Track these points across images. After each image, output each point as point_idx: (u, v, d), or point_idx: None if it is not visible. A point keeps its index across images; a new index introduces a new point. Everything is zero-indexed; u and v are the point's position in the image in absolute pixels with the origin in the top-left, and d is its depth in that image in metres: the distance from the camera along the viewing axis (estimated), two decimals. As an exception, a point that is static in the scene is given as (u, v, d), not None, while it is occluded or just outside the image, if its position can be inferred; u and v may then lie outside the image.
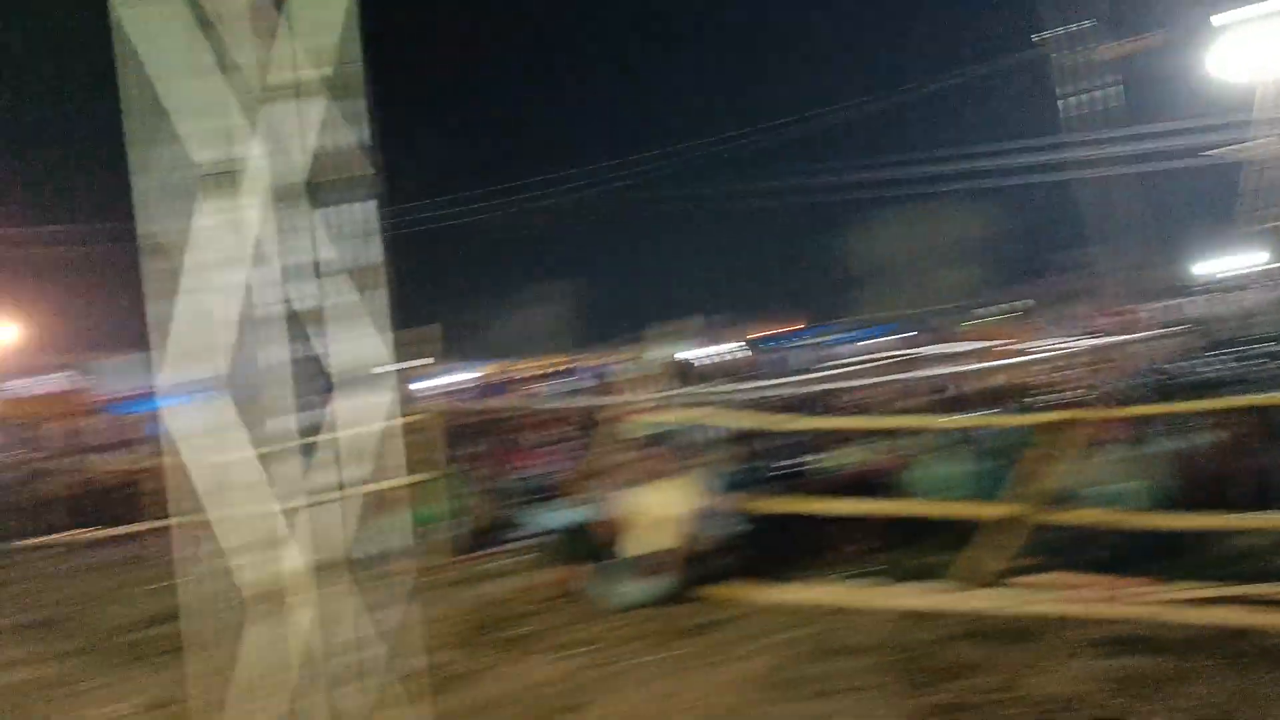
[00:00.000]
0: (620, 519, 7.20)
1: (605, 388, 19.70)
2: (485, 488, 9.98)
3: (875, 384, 13.10)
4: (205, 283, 3.24)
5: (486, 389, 32.06)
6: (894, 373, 12.93)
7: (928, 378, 13.76)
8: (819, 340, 38.34)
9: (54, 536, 11.89)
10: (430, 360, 9.06)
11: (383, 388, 3.57)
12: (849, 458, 9.31)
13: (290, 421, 3.27)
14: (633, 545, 7.02)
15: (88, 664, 6.48)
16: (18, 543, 12.01)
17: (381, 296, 3.54)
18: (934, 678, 4.85)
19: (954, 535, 6.88)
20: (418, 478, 8.61)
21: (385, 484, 3.65)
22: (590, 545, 7.12)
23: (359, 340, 3.50)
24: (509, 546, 9.04)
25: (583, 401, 16.75)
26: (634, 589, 6.67)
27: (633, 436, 8.23)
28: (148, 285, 3.25)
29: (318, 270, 3.41)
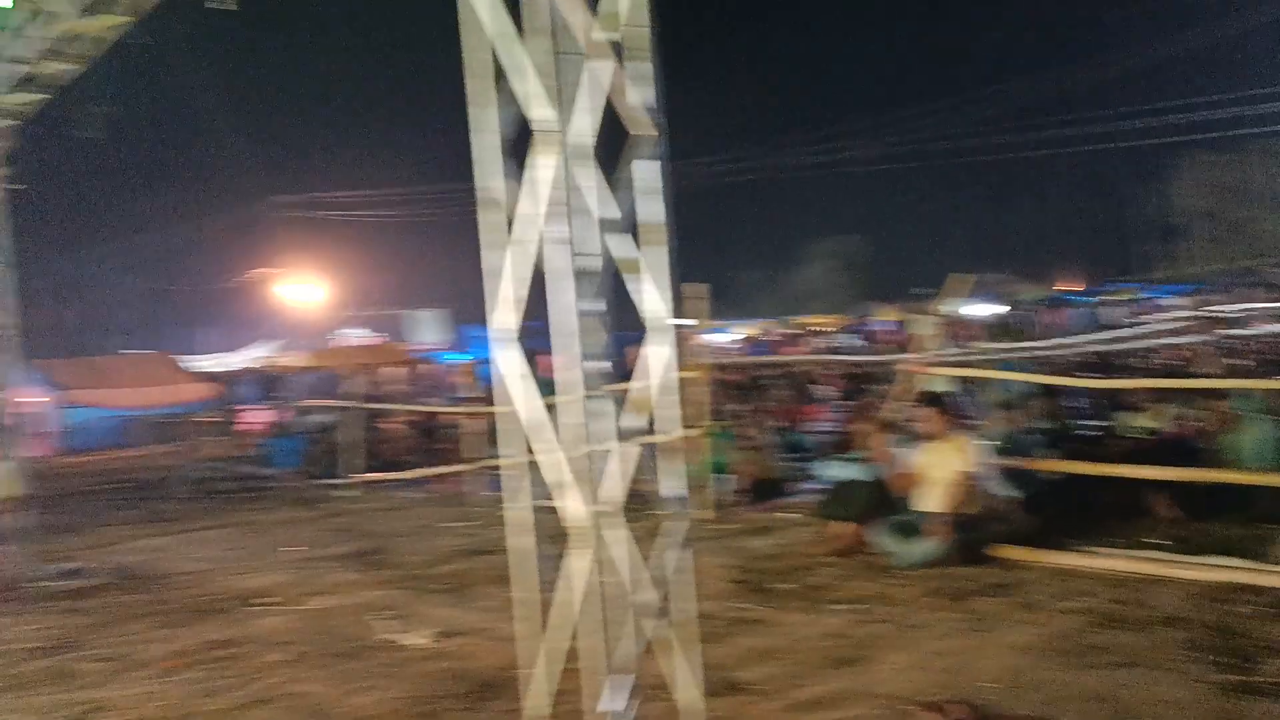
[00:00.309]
0: (901, 477, 7.10)
1: (883, 345, 19.34)
2: (757, 443, 10.09)
3: (1184, 343, 12.12)
4: (525, 236, 3.49)
5: (756, 347, 32.22)
6: (1206, 331, 11.91)
7: (1248, 337, 12.60)
8: (1118, 297, 35.65)
9: (370, 476, 13.08)
10: (699, 318, 9.23)
11: (664, 342, 3.70)
12: (1151, 420, 8.75)
13: (582, 370, 3.47)
14: (913, 503, 6.92)
15: (401, 593, 7.12)
16: (339, 481, 13.32)
17: (663, 253, 3.67)
18: (1241, 656, 4.51)
19: (1271, 507, 6.34)
20: (692, 431, 8.82)
21: (664, 435, 3.78)
22: (867, 502, 7.06)
23: (643, 296, 3.65)
24: (782, 501, 9.12)
25: (858, 359, 16.52)
26: (914, 548, 6.58)
27: (914, 393, 8.07)
28: (483, 237, 3.55)
29: (609, 226, 3.58)
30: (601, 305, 3.53)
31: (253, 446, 18.14)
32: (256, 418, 21.13)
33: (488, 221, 3.54)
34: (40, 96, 8.33)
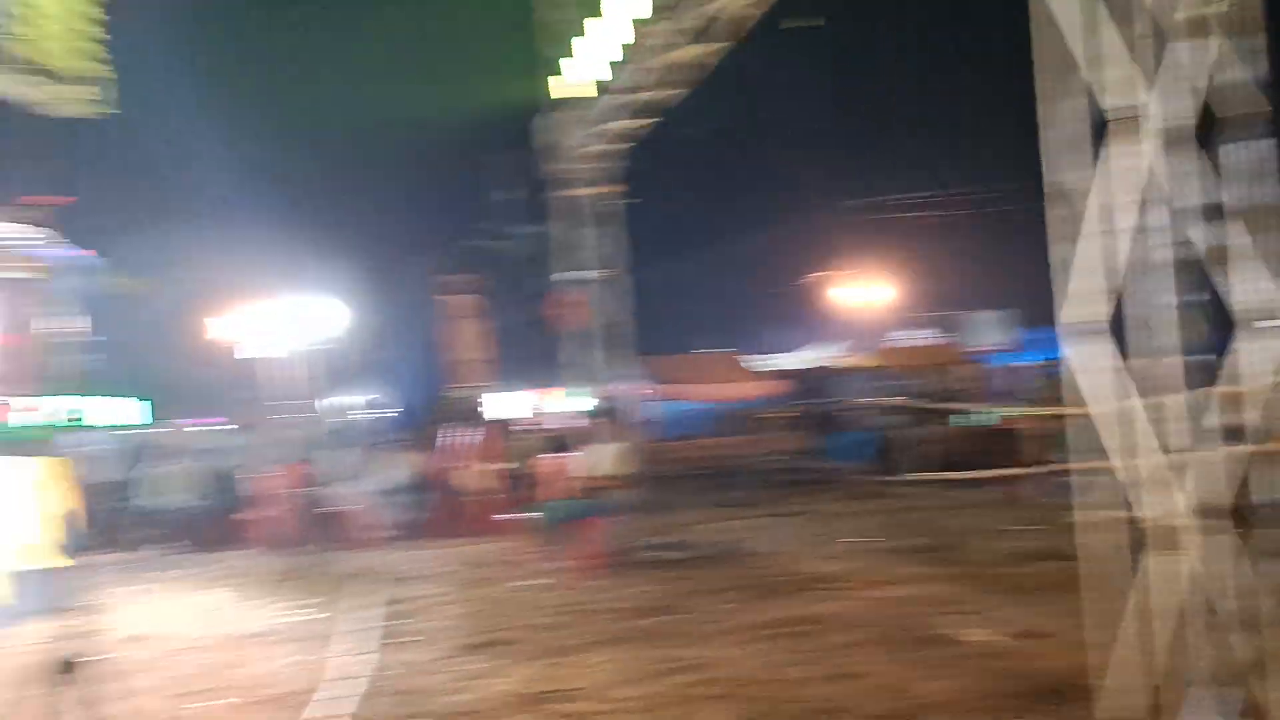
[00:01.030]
0: None
1: None
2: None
3: None
4: (1104, 227, 3.40)
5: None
6: None
7: None
8: None
9: (930, 474, 13.12)
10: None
11: (1273, 338, 3.37)
12: None
13: (1178, 367, 3.28)
14: None
15: (965, 590, 7.12)
16: (899, 477, 13.53)
17: (1276, 241, 3.34)
18: None
19: None
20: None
21: (1272, 442, 3.45)
22: None
23: (1251, 287, 3.35)
24: None
25: None
26: None
27: None
28: (1051, 230, 3.52)
29: (1209, 213, 3.35)
30: (1203, 296, 3.31)
31: (814, 441, 19.01)
32: (815, 414, 22.04)
33: (1056, 215, 3.48)
34: (650, 120, 9.55)
